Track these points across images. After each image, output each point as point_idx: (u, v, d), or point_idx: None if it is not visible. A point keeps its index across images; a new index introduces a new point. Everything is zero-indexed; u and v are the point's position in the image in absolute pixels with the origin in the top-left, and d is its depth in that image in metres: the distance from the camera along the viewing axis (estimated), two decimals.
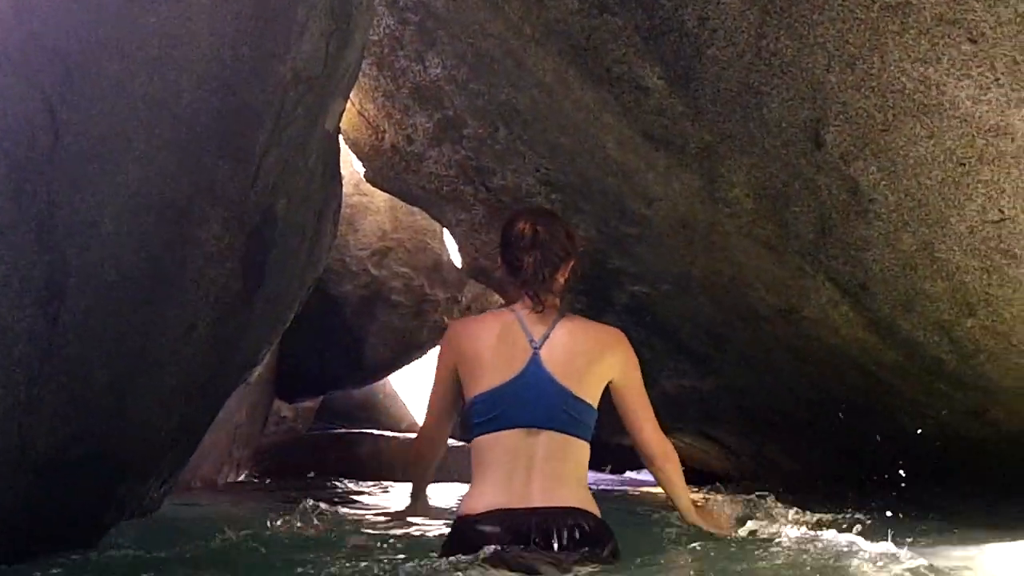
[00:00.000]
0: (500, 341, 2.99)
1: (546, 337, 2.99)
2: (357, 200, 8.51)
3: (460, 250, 6.45)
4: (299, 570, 2.83)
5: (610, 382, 3.06)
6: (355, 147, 6.26)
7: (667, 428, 6.45)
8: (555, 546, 2.73)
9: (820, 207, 4.04)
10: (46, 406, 2.56)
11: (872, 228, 3.92)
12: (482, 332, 3.05)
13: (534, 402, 2.91)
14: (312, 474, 8.56)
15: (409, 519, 3.73)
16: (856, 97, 3.58)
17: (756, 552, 3.11)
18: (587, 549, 2.77)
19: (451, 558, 2.73)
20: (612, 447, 6.19)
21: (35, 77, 2.39)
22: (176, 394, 3.16)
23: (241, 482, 7.97)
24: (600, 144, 4.69)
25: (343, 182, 4.78)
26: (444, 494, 5.53)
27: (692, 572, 3.07)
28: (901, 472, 5.04)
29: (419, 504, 3.56)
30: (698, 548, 3.24)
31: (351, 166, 6.94)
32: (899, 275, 4.02)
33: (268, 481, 8.26)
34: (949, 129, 3.42)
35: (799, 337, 4.92)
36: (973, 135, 3.38)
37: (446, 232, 6.67)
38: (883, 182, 3.74)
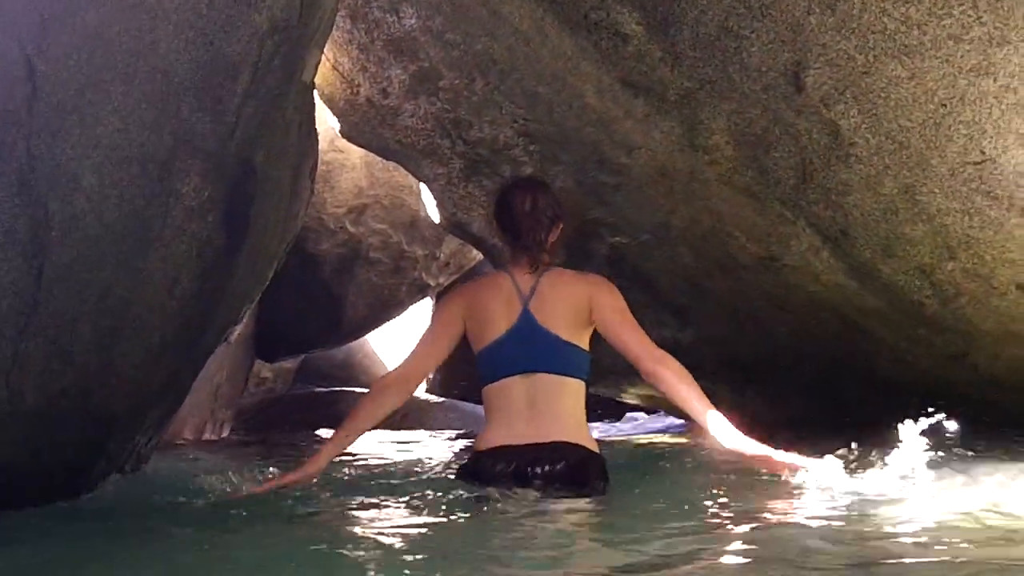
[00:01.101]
0: (496, 301, 3.38)
1: (533, 291, 3.36)
2: (332, 157, 8.44)
3: (438, 205, 6.40)
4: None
5: (597, 322, 3.35)
6: (330, 102, 6.19)
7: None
8: (546, 470, 3.15)
9: (801, 152, 4.04)
10: (34, 361, 2.55)
11: (853, 172, 3.92)
12: (481, 295, 3.46)
13: (528, 350, 3.30)
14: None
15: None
16: (836, 39, 3.57)
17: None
18: (576, 477, 3.15)
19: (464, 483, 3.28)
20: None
21: (11, 28, 2.35)
22: (161, 349, 3.15)
23: (223, 439, 7.98)
24: (578, 93, 4.66)
25: (318, 138, 4.75)
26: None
27: (675, 505, 3.13)
28: (882, 418, 5.09)
29: (333, 451, 3.45)
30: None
31: (326, 123, 6.88)
32: (880, 219, 4.03)
33: (249, 438, 8.29)
34: (931, 70, 3.42)
35: (780, 285, 4.93)
36: (955, 75, 3.38)
37: (423, 187, 6.62)
38: (864, 125, 3.74)
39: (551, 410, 3.25)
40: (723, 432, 3.14)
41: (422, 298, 9.86)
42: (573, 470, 3.18)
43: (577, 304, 3.35)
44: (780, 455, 3.11)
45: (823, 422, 5.64)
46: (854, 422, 5.27)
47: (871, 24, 3.42)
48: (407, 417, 9.37)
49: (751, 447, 3.13)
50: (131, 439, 3.44)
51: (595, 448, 3.30)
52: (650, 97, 4.36)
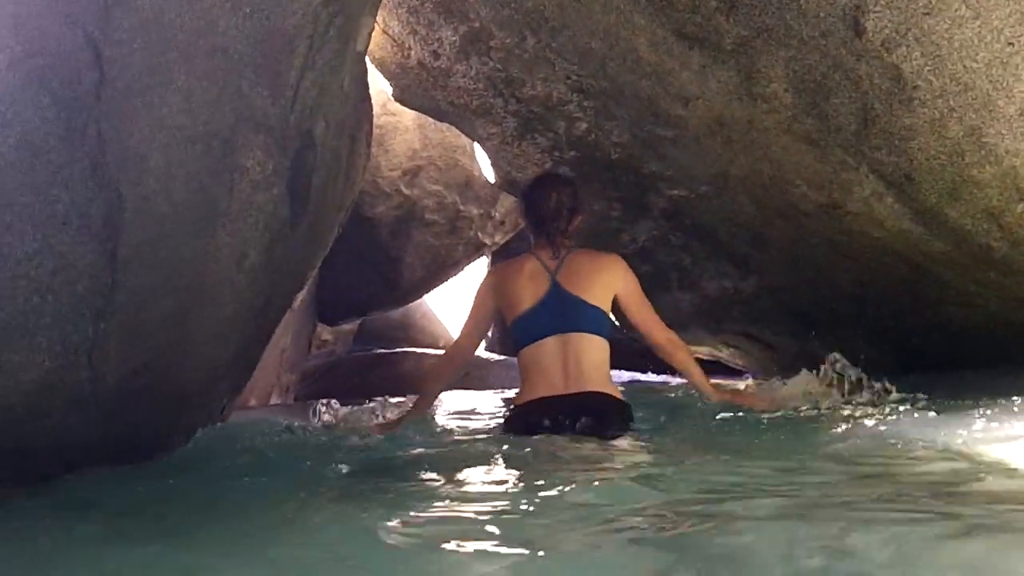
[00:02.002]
0: (524, 278, 3.98)
1: (559, 266, 3.97)
2: (386, 120, 8.46)
3: (492, 164, 6.41)
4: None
5: (616, 295, 3.99)
6: (381, 66, 6.20)
7: (711, 330, 6.49)
8: (580, 417, 3.65)
9: (862, 97, 3.97)
10: (112, 340, 2.60)
11: (916, 116, 3.85)
12: (509, 274, 4.06)
13: (559, 313, 3.88)
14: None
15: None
16: None
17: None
18: (605, 421, 3.67)
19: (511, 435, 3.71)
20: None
21: (76, 15, 2.37)
22: (232, 323, 3.20)
23: (288, 403, 8.09)
24: (632, 47, 4.62)
25: (372, 104, 4.76)
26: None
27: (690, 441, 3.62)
28: (950, 363, 5.05)
29: (418, 411, 4.21)
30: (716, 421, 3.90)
31: (378, 87, 6.89)
32: (945, 163, 3.96)
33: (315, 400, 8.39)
34: (996, 8, 3.34)
35: (842, 232, 4.87)
36: (1022, 12, 3.30)
37: (477, 147, 6.62)
38: (927, 68, 3.67)
39: (582, 364, 3.80)
40: (711, 391, 4.13)
41: (479, 257, 9.88)
42: (603, 415, 3.71)
43: (599, 274, 3.97)
44: (756, 397, 4.26)
45: (889, 369, 5.61)
46: (921, 367, 5.24)
47: None
48: (469, 376, 9.44)
49: (732, 396, 4.23)
50: (204, 411, 3.51)
51: (621, 396, 3.87)
52: (705, 47, 4.31)
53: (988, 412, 3.37)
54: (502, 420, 4.13)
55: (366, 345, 11.28)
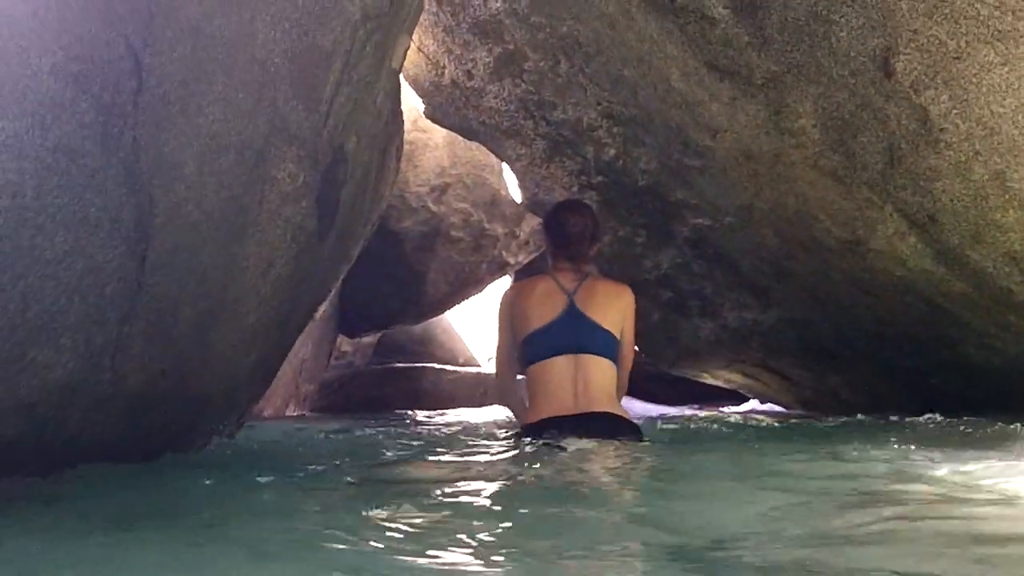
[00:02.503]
0: (540, 296, 4.09)
1: (577, 288, 4.08)
2: (416, 136, 8.52)
3: (519, 185, 6.45)
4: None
5: (623, 326, 4.11)
6: (414, 83, 6.26)
7: (729, 360, 6.50)
8: (589, 435, 3.73)
9: (889, 137, 4.00)
10: (136, 343, 2.64)
11: (942, 158, 3.88)
12: (526, 293, 4.18)
13: (573, 334, 3.99)
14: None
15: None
16: (928, 24, 3.53)
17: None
18: (616, 433, 3.82)
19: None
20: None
21: (119, 23, 2.42)
22: (255, 331, 3.24)
23: (305, 415, 8.13)
24: (663, 76, 4.66)
25: (404, 120, 4.81)
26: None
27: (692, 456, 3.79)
28: (967, 404, 5.04)
29: (520, 409, 4.32)
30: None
31: (409, 103, 6.95)
32: (969, 205, 3.98)
33: (332, 413, 8.43)
34: None
35: (864, 269, 4.89)
36: None
37: (505, 167, 6.66)
38: (954, 111, 3.70)
39: (590, 385, 3.92)
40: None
41: (502, 275, 9.91)
42: (614, 431, 3.84)
43: (613, 301, 4.12)
44: None
45: (906, 406, 5.60)
46: (938, 407, 5.23)
47: (963, 10, 3.38)
48: (486, 394, 9.49)
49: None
50: (224, 418, 3.55)
51: (628, 417, 4.04)
52: (736, 80, 4.34)
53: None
54: (513, 437, 4.22)
55: (385, 358, 11.32)
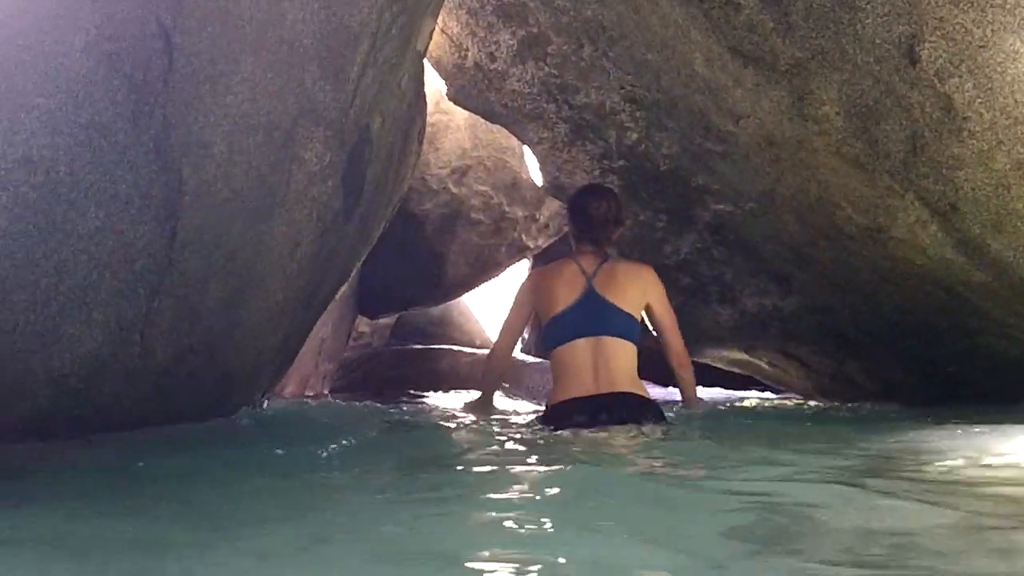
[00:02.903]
0: (562, 280, 4.20)
1: (596, 271, 4.19)
2: (437, 118, 8.52)
3: (540, 168, 6.45)
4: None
5: (648, 304, 4.24)
6: (437, 65, 6.26)
7: (748, 346, 6.50)
8: (614, 417, 3.87)
9: (912, 125, 3.99)
10: (164, 319, 2.68)
11: (965, 147, 3.87)
12: (548, 277, 4.31)
13: (593, 317, 4.09)
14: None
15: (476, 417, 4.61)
16: (954, 12, 3.52)
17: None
18: (635, 419, 3.89)
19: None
20: None
21: (150, 2, 2.46)
22: (282, 309, 3.28)
23: (325, 394, 8.18)
24: (687, 61, 4.66)
25: (427, 102, 4.83)
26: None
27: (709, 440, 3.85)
28: (987, 393, 5.04)
29: (486, 406, 4.59)
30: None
31: (432, 84, 6.96)
32: (991, 195, 3.98)
33: (350, 393, 8.48)
34: None
35: (885, 257, 4.88)
36: None
37: (526, 150, 6.67)
38: (978, 99, 3.69)
39: (611, 367, 4.01)
40: (694, 404, 4.59)
41: (521, 259, 9.91)
42: (633, 414, 3.92)
43: (633, 283, 4.21)
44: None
45: (924, 394, 5.61)
46: (956, 396, 5.23)
47: None
48: (504, 376, 9.49)
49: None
50: (249, 394, 3.60)
51: (649, 396, 4.10)
52: (760, 66, 4.34)
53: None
54: (536, 418, 4.34)
55: (403, 340, 11.35)
